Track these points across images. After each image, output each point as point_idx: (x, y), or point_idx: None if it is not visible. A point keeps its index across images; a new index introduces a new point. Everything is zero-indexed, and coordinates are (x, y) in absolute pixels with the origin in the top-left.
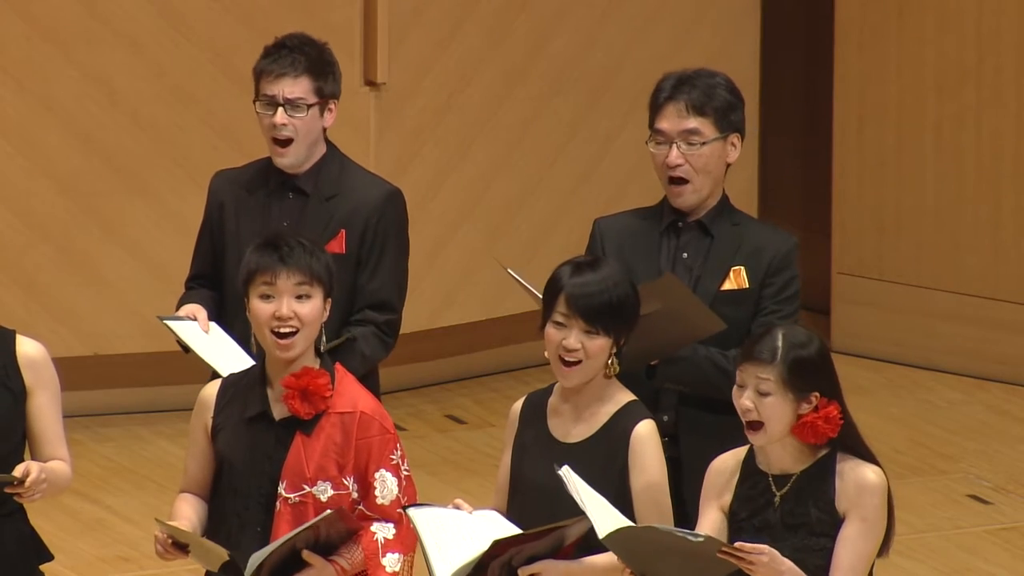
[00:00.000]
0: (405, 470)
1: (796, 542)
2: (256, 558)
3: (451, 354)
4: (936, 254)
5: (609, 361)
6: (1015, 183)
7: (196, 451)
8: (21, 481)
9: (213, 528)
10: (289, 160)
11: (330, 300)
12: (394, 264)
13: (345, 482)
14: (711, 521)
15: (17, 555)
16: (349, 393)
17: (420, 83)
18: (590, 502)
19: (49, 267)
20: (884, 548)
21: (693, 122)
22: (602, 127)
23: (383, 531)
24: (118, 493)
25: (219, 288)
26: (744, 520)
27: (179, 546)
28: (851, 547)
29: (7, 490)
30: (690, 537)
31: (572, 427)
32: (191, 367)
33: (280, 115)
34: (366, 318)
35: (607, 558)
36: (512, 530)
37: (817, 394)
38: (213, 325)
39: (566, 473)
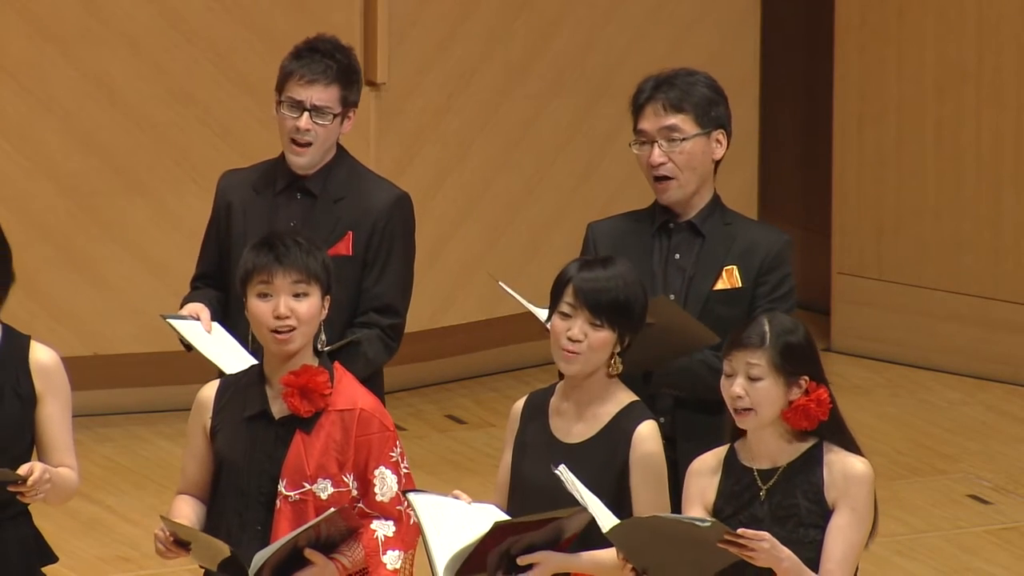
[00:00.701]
0: (405, 467)
1: (785, 535)
2: (259, 557)
3: (451, 354)
4: (936, 254)
5: (612, 360)
6: (1015, 183)
7: (194, 452)
8: (24, 479)
9: (213, 527)
10: (305, 161)
11: (329, 298)
12: (400, 268)
13: (345, 479)
14: None
15: (21, 557)
16: (348, 391)
17: (420, 83)
18: (590, 500)
19: (49, 267)
20: (868, 540)
21: (672, 119)
22: (602, 127)
23: (383, 529)
24: (118, 493)
25: (224, 288)
26: (730, 516)
27: (180, 543)
28: (842, 537)
29: (10, 488)
30: (697, 523)
31: (574, 427)
32: (191, 367)
33: (305, 120)
34: (370, 321)
35: (605, 553)
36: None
37: (807, 378)
38: (215, 325)
39: (563, 472)
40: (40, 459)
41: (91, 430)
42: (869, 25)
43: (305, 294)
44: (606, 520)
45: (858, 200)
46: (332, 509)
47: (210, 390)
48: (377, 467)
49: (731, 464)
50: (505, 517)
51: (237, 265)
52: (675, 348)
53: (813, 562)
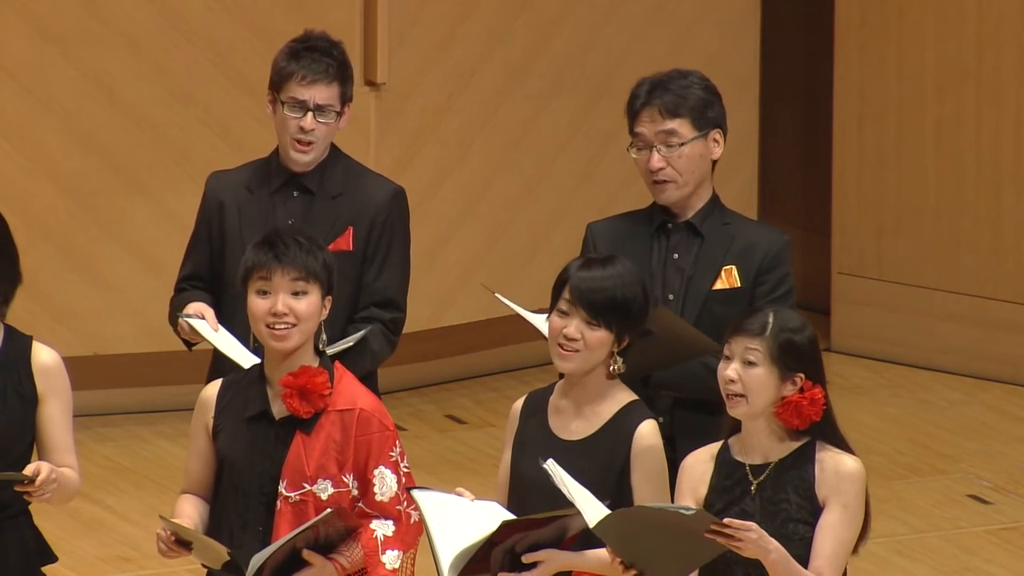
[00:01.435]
0: (404, 467)
1: (775, 530)
2: (257, 559)
3: (451, 354)
4: (936, 254)
5: (612, 359)
6: (1015, 183)
7: (197, 451)
8: (31, 480)
9: (215, 528)
10: (310, 158)
11: (330, 298)
12: (399, 262)
13: (345, 479)
14: None
15: (22, 557)
16: (348, 391)
17: (420, 83)
18: (577, 494)
19: (49, 267)
20: (859, 542)
21: (669, 124)
22: (602, 127)
23: (382, 528)
24: (118, 493)
25: (214, 290)
26: (721, 511)
27: (182, 543)
28: (832, 534)
29: (17, 488)
30: (682, 511)
31: (573, 424)
32: (191, 367)
33: (310, 120)
34: (372, 315)
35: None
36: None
37: (802, 375)
38: (219, 326)
39: (551, 466)
40: (41, 459)
41: (91, 430)
42: (869, 25)
43: (304, 292)
44: (593, 514)
45: (858, 200)
46: (329, 510)
47: (212, 390)
48: (377, 467)
49: (723, 459)
50: (508, 514)
51: (234, 265)
52: (675, 356)
53: (802, 559)
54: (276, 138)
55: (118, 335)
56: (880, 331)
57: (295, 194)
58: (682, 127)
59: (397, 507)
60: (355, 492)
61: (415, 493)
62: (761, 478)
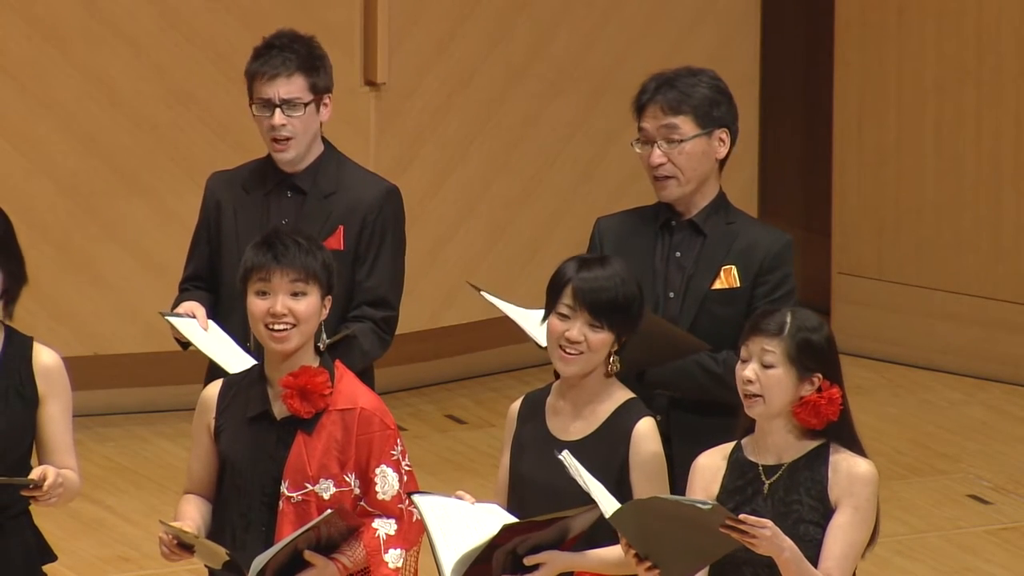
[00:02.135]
0: (406, 465)
1: (786, 531)
2: (259, 561)
3: (451, 354)
4: (936, 254)
5: (610, 360)
6: (1015, 183)
7: (199, 452)
8: (39, 484)
9: (218, 528)
10: (290, 155)
11: (330, 298)
12: (391, 261)
13: (347, 479)
14: None
15: (23, 557)
16: (349, 390)
17: (420, 83)
18: (593, 486)
19: (49, 267)
20: (868, 546)
21: (671, 120)
22: (602, 127)
23: (385, 527)
24: (118, 493)
25: (215, 289)
26: (732, 511)
27: (184, 546)
28: (842, 535)
29: (24, 492)
30: (698, 504)
31: (571, 424)
32: (191, 367)
33: (278, 116)
34: (364, 314)
35: (610, 550)
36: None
37: (820, 375)
38: (211, 323)
39: (566, 457)
40: (41, 460)
41: (91, 430)
42: (869, 25)
43: (303, 293)
44: (608, 505)
45: (858, 200)
46: (330, 510)
47: (213, 390)
48: (378, 465)
49: (736, 459)
50: (508, 515)
51: (230, 264)
52: (664, 355)
53: (813, 560)
54: None
55: (118, 335)
56: (880, 331)
57: (288, 194)
58: (684, 124)
59: (399, 506)
60: (357, 491)
61: (416, 498)
62: (774, 479)
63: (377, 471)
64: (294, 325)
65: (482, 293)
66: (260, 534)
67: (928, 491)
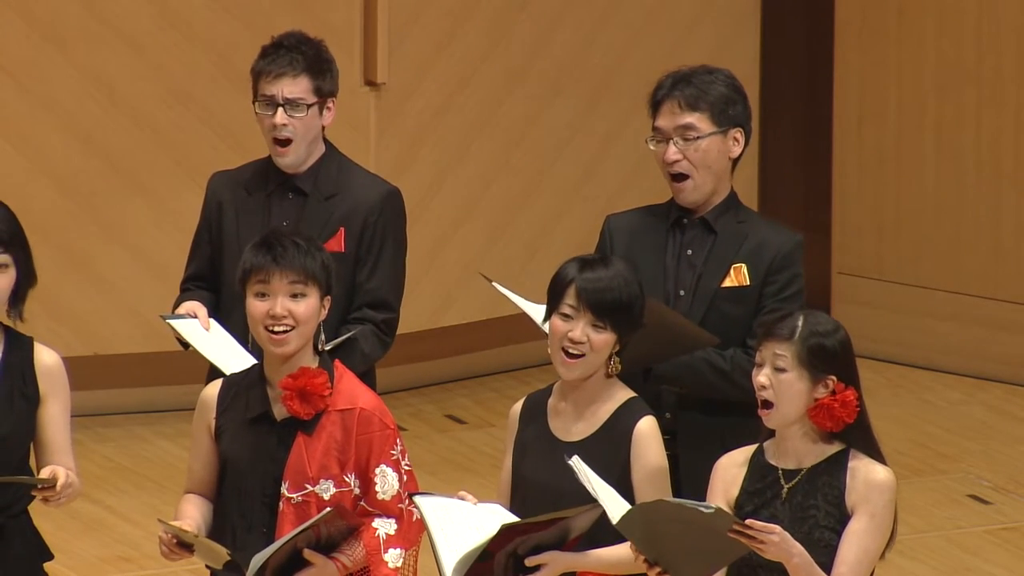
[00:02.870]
0: (406, 465)
1: (802, 536)
2: (258, 559)
3: (451, 354)
4: (936, 254)
5: (611, 360)
6: (1015, 183)
7: (200, 452)
8: (52, 484)
9: (218, 529)
10: (290, 159)
11: (329, 299)
12: (392, 263)
13: (347, 479)
14: None
15: (25, 555)
16: (348, 390)
17: (420, 83)
18: (601, 491)
19: (49, 267)
20: (884, 551)
21: (688, 117)
22: (602, 127)
23: (384, 527)
24: (118, 493)
25: (216, 289)
26: (750, 513)
27: (183, 545)
28: (857, 542)
29: (34, 492)
30: (701, 508)
31: (573, 425)
32: (191, 367)
33: (280, 115)
34: (364, 316)
35: (612, 550)
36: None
37: (834, 378)
38: (213, 323)
39: (576, 463)
40: (39, 460)
41: (91, 430)
42: (869, 25)
43: (303, 295)
44: (617, 511)
45: (858, 200)
46: (328, 509)
47: (213, 390)
48: (378, 465)
49: (757, 461)
50: (510, 515)
51: (231, 265)
52: (673, 348)
53: (827, 566)
54: None
55: (118, 335)
56: (880, 331)
57: (289, 195)
58: (700, 121)
59: (399, 505)
60: (357, 491)
61: (417, 499)
62: (793, 483)
63: (377, 471)
64: (293, 327)
65: (493, 284)
66: (261, 535)
67: (928, 491)
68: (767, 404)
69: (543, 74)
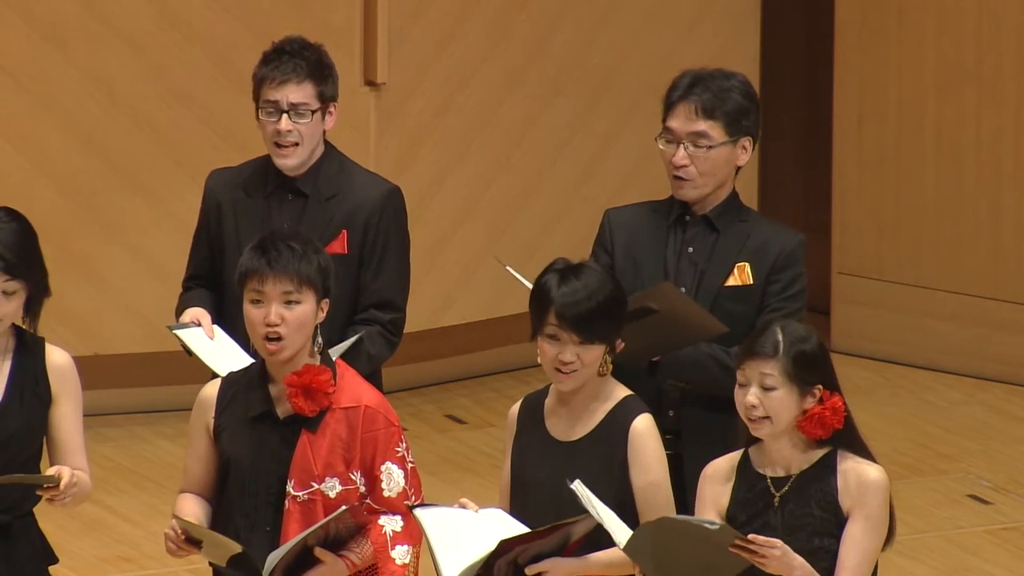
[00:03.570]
0: (410, 462)
1: (800, 545)
2: (273, 558)
3: (451, 354)
4: (936, 254)
5: (604, 360)
6: (1015, 183)
7: (197, 451)
8: (56, 483)
9: (220, 528)
10: (292, 162)
11: (328, 301)
12: (396, 263)
13: (352, 477)
14: None
15: (31, 557)
16: (352, 388)
17: (420, 83)
18: (605, 515)
19: (49, 267)
20: (884, 547)
21: (702, 125)
22: (602, 127)
23: (391, 524)
24: (118, 493)
25: (217, 288)
26: (743, 524)
27: (191, 541)
28: (856, 546)
29: (39, 491)
30: (706, 525)
31: (570, 426)
32: (191, 367)
33: (285, 121)
34: (371, 317)
35: (612, 553)
36: (518, 527)
37: (820, 386)
38: (217, 329)
39: (578, 487)
40: (51, 460)
41: (91, 430)
42: (869, 25)
43: (297, 301)
44: (622, 535)
45: (858, 200)
46: (343, 507)
47: (212, 389)
48: (383, 463)
49: (745, 470)
50: (513, 520)
51: (232, 266)
52: (680, 336)
53: (828, 572)
54: None
55: (118, 335)
56: (880, 331)
57: (289, 197)
58: (713, 130)
59: (405, 502)
60: (362, 489)
61: (416, 512)
62: (784, 490)
63: (383, 468)
64: (287, 333)
65: (507, 268)
66: (265, 534)
67: (928, 491)
68: (760, 420)
69: (543, 74)
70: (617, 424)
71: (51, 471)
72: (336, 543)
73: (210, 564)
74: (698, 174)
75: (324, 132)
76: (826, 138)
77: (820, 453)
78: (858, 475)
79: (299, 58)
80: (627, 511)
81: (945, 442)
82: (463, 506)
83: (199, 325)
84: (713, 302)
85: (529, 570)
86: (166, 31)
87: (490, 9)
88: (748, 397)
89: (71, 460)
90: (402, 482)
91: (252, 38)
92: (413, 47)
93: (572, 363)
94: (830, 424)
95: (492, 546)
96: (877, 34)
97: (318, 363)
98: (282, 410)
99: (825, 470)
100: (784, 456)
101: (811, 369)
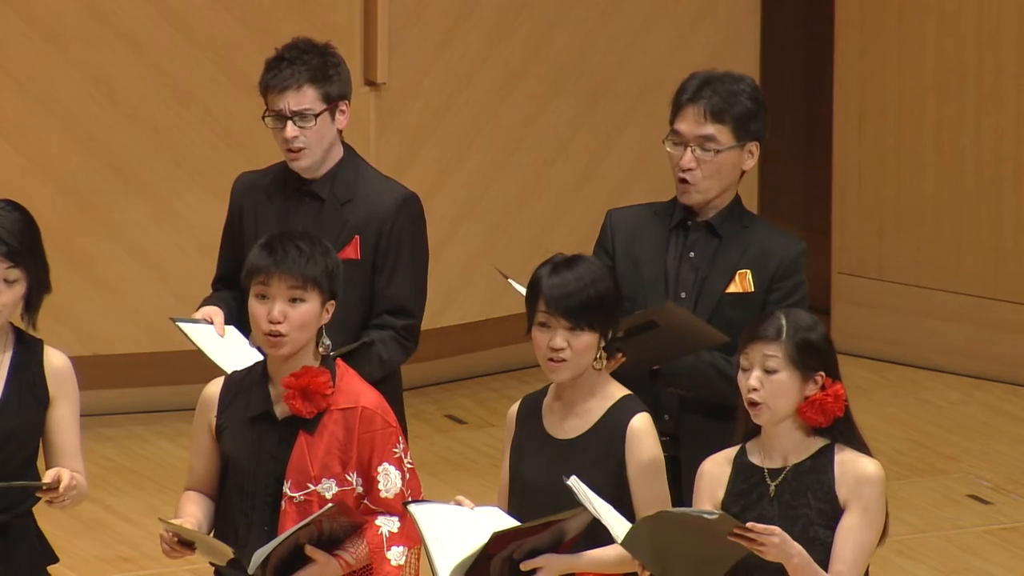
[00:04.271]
0: (408, 463)
1: (795, 535)
2: (259, 555)
3: (451, 354)
4: (936, 254)
5: (598, 355)
6: (1015, 183)
7: (200, 450)
8: (54, 487)
9: (221, 527)
10: (305, 164)
11: (334, 303)
12: (411, 269)
13: (349, 478)
14: None
15: (30, 557)
16: (350, 389)
17: (420, 83)
18: (602, 509)
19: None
20: (878, 544)
21: (710, 128)
22: (602, 127)
23: (388, 524)
24: (118, 493)
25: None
26: (738, 515)
27: (185, 544)
28: (852, 537)
29: (39, 494)
30: (705, 515)
31: (567, 423)
32: (191, 367)
33: (291, 128)
34: (384, 323)
35: (607, 550)
36: (513, 524)
37: (822, 373)
38: (230, 328)
39: (574, 483)
40: (48, 463)
41: (91, 430)
42: (869, 25)
43: (301, 300)
44: (620, 529)
45: (858, 200)
46: (330, 504)
47: (214, 387)
48: (380, 464)
49: (740, 463)
50: (508, 517)
51: None
52: (682, 347)
53: (823, 563)
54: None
55: (118, 335)
56: (880, 331)
57: (306, 201)
58: (722, 134)
59: (402, 503)
60: (359, 490)
61: (411, 507)
62: (779, 481)
63: (380, 469)
64: (289, 331)
65: (509, 281)
66: (263, 533)
67: (928, 491)
68: (759, 404)
69: (543, 74)
70: (615, 423)
71: (49, 475)
72: (331, 542)
73: (211, 563)
74: (703, 177)
75: (340, 132)
76: (826, 138)
77: (818, 445)
78: (856, 468)
79: (298, 63)
80: (624, 509)
81: (945, 442)
82: (459, 503)
83: (210, 323)
84: (714, 309)
85: (524, 565)
86: (166, 31)
87: (490, 9)
88: (750, 380)
89: (68, 462)
90: (399, 483)
91: (252, 38)
92: (413, 47)
93: (563, 350)
94: (831, 411)
95: (483, 543)
96: (877, 34)
97: (318, 365)
98: (280, 411)
99: (822, 461)
100: (782, 445)
101: (814, 356)
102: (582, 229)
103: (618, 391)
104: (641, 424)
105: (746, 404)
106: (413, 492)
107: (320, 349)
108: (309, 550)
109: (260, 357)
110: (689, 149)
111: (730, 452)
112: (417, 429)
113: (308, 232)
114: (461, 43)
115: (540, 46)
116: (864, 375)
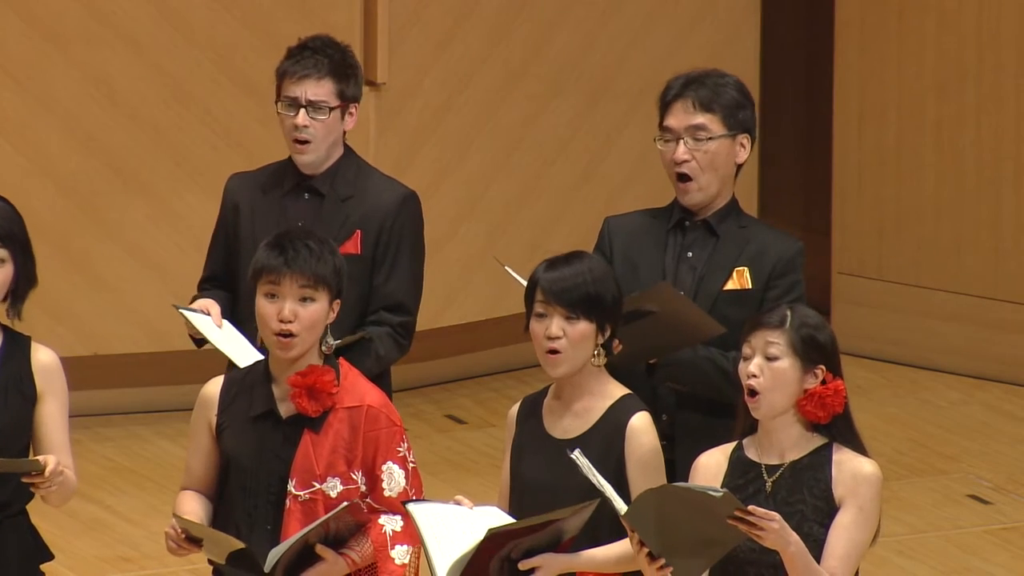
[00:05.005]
0: (412, 462)
1: None
2: (275, 554)
3: (451, 354)
4: (936, 254)
5: (596, 352)
6: (1015, 183)
7: (199, 449)
8: (40, 470)
9: (221, 526)
10: (309, 158)
11: (339, 302)
12: (409, 266)
13: (354, 476)
14: None
15: (22, 555)
16: (355, 388)
17: (420, 83)
18: (606, 484)
19: (48, 267)
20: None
21: (700, 118)
22: (602, 127)
23: (391, 523)
24: (118, 493)
25: (232, 289)
26: None
27: (192, 540)
28: (846, 535)
29: (25, 479)
30: (710, 491)
31: (568, 423)
32: (191, 367)
33: (302, 116)
34: (381, 319)
35: (606, 549)
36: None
37: (824, 367)
38: (225, 321)
39: (578, 456)
40: None
41: (91, 430)
42: (869, 25)
43: (312, 299)
44: (622, 503)
45: (858, 200)
46: (344, 503)
47: (214, 387)
48: (384, 462)
49: (737, 458)
50: (507, 517)
51: (245, 265)
52: (678, 338)
53: (817, 559)
54: (276, 139)
55: (118, 335)
56: (880, 331)
57: (305, 196)
58: (712, 123)
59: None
60: (363, 489)
61: (410, 507)
62: (775, 477)
63: (384, 468)
64: (300, 331)
65: (506, 268)
66: (266, 532)
67: (928, 491)
68: (754, 392)
69: (543, 74)
70: (615, 422)
71: (37, 459)
72: (337, 541)
73: (210, 563)
74: (699, 169)
75: (344, 134)
76: (826, 138)
77: (816, 443)
78: (853, 467)
79: (321, 55)
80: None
81: (945, 442)
82: (458, 503)
83: (207, 314)
84: (712, 306)
85: (522, 565)
86: (166, 31)
87: (490, 9)
88: (751, 367)
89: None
90: (403, 482)
91: (252, 38)
92: (413, 47)
93: (559, 338)
94: (831, 406)
95: (480, 540)
96: (877, 34)
97: (322, 363)
98: (285, 409)
99: (820, 459)
100: (780, 442)
101: (818, 349)
102: (582, 229)
103: (618, 391)
104: (641, 422)
105: (745, 395)
106: (416, 491)
107: (323, 348)
108: (319, 549)
109: (257, 352)
110: (681, 142)
111: (727, 447)
112: (417, 429)
113: (313, 231)
114: (461, 43)
115: (540, 46)
116: (864, 375)
